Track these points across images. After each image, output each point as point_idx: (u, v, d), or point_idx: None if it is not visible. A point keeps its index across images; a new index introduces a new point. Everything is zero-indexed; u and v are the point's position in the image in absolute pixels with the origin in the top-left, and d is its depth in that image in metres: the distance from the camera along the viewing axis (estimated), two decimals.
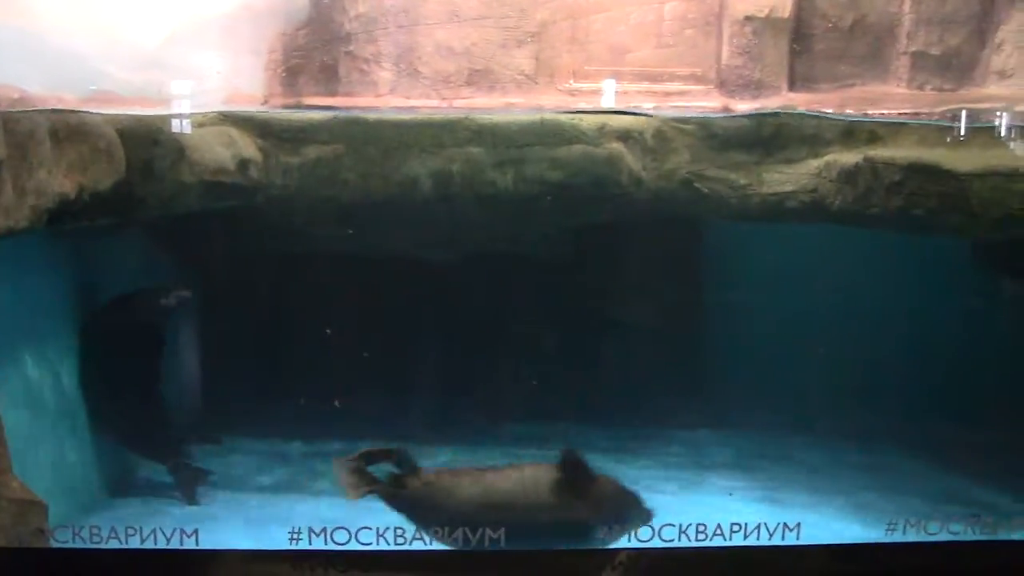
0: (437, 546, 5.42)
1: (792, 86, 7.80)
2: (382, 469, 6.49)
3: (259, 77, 7.51)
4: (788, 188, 7.92)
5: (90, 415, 7.64)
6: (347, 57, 7.58)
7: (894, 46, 7.83)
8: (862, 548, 6.36)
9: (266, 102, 7.58)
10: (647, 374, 9.23)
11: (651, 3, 7.59)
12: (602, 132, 7.75)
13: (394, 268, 8.73)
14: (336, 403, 8.53)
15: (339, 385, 8.59)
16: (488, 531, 5.49)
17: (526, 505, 6.31)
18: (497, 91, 7.61)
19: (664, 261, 9.26)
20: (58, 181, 5.91)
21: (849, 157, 7.74)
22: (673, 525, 5.65)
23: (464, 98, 7.59)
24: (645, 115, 7.82)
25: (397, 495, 6.35)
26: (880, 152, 7.62)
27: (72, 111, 6.23)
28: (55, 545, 5.28)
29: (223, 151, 7.32)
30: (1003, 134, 7.47)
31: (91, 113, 6.38)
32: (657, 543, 5.61)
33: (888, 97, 7.77)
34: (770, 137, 7.94)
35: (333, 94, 7.63)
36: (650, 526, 5.66)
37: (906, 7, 7.70)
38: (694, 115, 7.84)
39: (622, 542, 5.90)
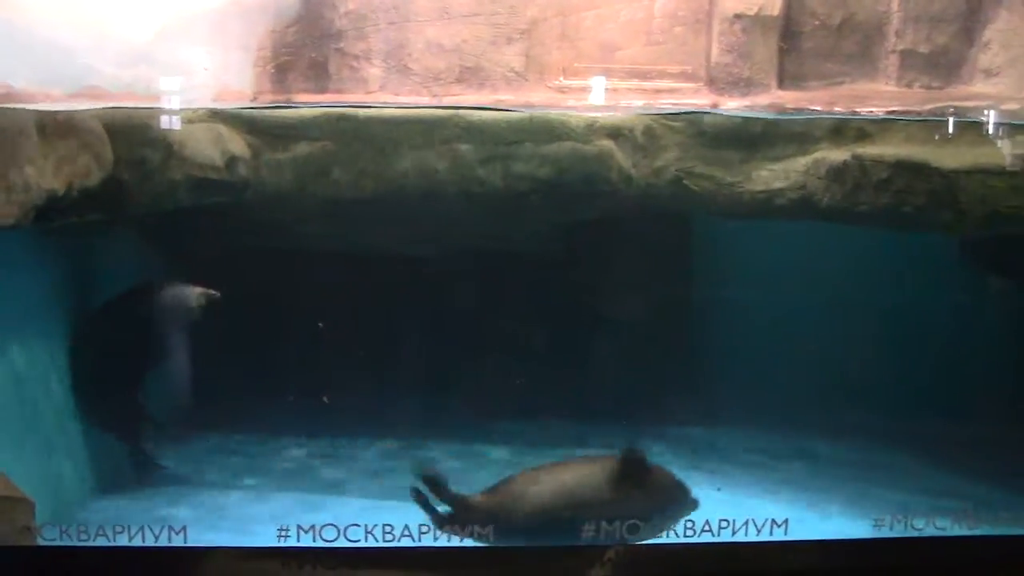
0: (425, 543, 5.42)
1: (781, 84, 7.81)
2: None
3: (248, 74, 7.48)
4: (777, 185, 7.93)
5: (79, 405, 7.62)
6: (337, 54, 7.57)
7: (883, 44, 7.84)
8: (850, 544, 6.37)
9: (255, 99, 7.56)
10: (637, 371, 9.25)
11: (641, 0, 7.60)
12: (591, 129, 7.74)
13: (383, 265, 8.73)
14: (325, 399, 8.54)
15: (328, 382, 8.60)
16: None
17: (593, 500, 6.36)
18: (487, 88, 7.61)
19: (653, 258, 9.26)
20: (45, 177, 5.90)
21: (837, 154, 7.75)
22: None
23: (454, 95, 7.59)
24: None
25: (468, 519, 6.24)
26: (868, 149, 7.63)
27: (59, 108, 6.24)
28: (42, 543, 5.26)
29: (212, 148, 7.30)
30: (990, 131, 7.50)
31: (79, 109, 6.39)
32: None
33: (877, 95, 7.79)
34: (759, 134, 7.94)
35: (323, 91, 7.62)
36: (638, 522, 5.65)
37: (894, 6, 7.72)
38: (684, 112, 7.85)
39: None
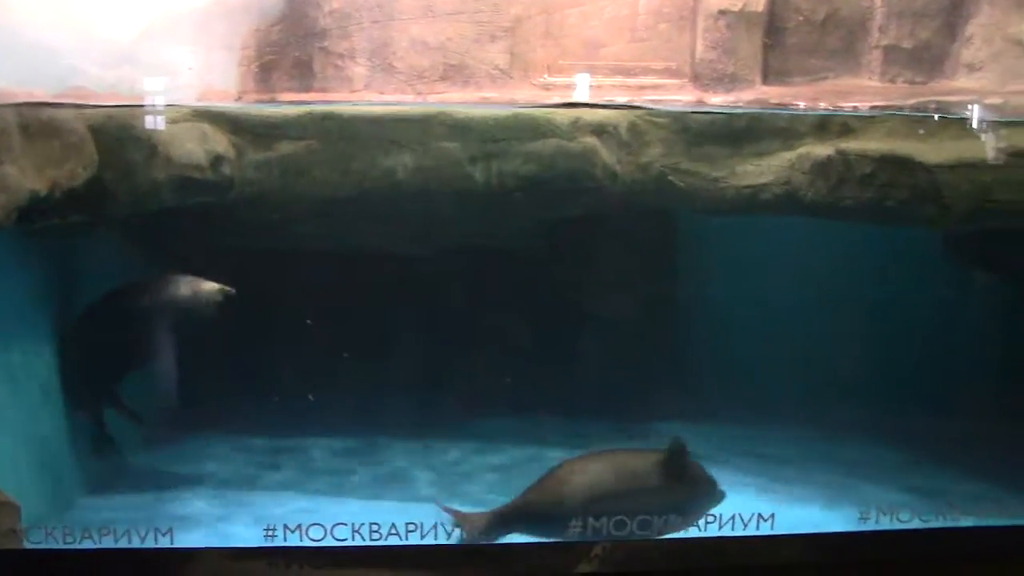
0: (412, 541, 5.42)
1: (765, 80, 7.84)
2: None
3: (233, 73, 7.48)
4: (761, 181, 7.94)
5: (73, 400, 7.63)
6: (321, 53, 7.57)
7: (866, 40, 7.88)
8: (835, 537, 6.39)
9: (240, 98, 7.55)
10: (622, 367, 9.27)
11: None
12: (576, 126, 7.74)
13: (368, 263, 8.73)
14: (310, 397, 8.54)
15: (314, 380, 8.60)
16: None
17: (640, 491, 6.44)
18: (472, 86, 7.62)
19: (639, 254, 9.27)
20: (28, 178, 5.89)
21: (822, 149, 7.77)
22: (649, 518, 5.67)
23: (439, 93, 7.59)
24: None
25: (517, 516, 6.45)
26: (852, 144, 7.65)
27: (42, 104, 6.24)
28: (28, 546, 5.25)
29: (196, 147, 7.29)
30: (974, 126, 7.52)
31: (62, 107, 6.38)
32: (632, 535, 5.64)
33: (860, 90, 7.82)
34: (743, 130, 7.96)
35: (307, 90, 7.62)
36: (625, 518, 5.66)
37: (878, 1, 7.78)
38: (668, 108, 7.86)
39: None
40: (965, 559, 5.52)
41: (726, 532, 5.73)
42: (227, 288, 7.67)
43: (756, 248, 9.06)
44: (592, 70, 7.66)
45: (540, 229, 8.86)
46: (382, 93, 7.54)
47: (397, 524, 5.43)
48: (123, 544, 5.32)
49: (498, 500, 7.71)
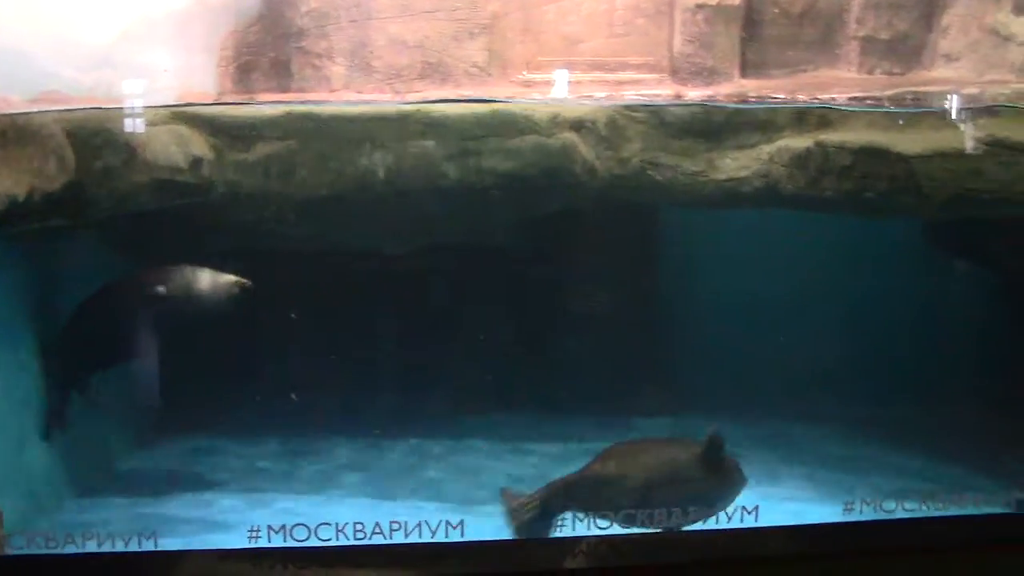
0: (397, 540, 5.42)
1: (744, 73, 7.85)
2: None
3: (211, 74, 7.46)
4: (741, 174, 7.95)
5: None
6: (299, 53, 7.56)
7: (843, 31, 7.91)
8: (821, 528, 6.41)
9: (219, 99, 7.53)
10: (605, 362, 9.27)
11: None
12: (555, 122, 7.74)
13: (349, 262, 8.72)
14: (293, 396, 8.53)
15: (297, 379, 8.60)
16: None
17: (681, 479, 6.57)
18: (450, 84, 7.62)
19: (620, 249, 9.28)
20: (5, 183, 5.87)
21: (800, 142, 7.79)
22: (633, 512, 5.69)
23: (417, 91, 7.58)
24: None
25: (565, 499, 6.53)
26: (831, 136, 7.67)
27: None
28: (10, 552, 5.24)
29: (175, 149, 7.27)
30: (952, 116, 7.55)
31: (38, 113, 6.36)
32: (617, 530, 5.64)
33: (838, 82, 7.83)
34: (722, 124, 7.96)
35: (286, 90, 7.61)
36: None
37: None
38: (647, 103, 7.87)
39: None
40: (950, 548, 5.53)
41: (710, 525, 5.75)
42: (243, 280, 7.68)
43: (737, 241, 9.07)
44: (571, 66, 7.66)
45: (520, 225, 8.86)
46: (361, 92, 7.52)
47: (381, 523, 5.43)
48: (107, 548, 5.30)
49: (478, 496, 7.79)
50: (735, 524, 5.93)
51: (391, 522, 5.45)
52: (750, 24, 7.85)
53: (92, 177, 6.78)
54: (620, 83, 7.74)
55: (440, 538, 5.46)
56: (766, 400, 9.08)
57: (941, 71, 7.81)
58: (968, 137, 7.35)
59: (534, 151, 7.72)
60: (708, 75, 7.75)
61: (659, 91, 7.76)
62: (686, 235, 9.59)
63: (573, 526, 5.78)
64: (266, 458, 8.70)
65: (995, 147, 7.29)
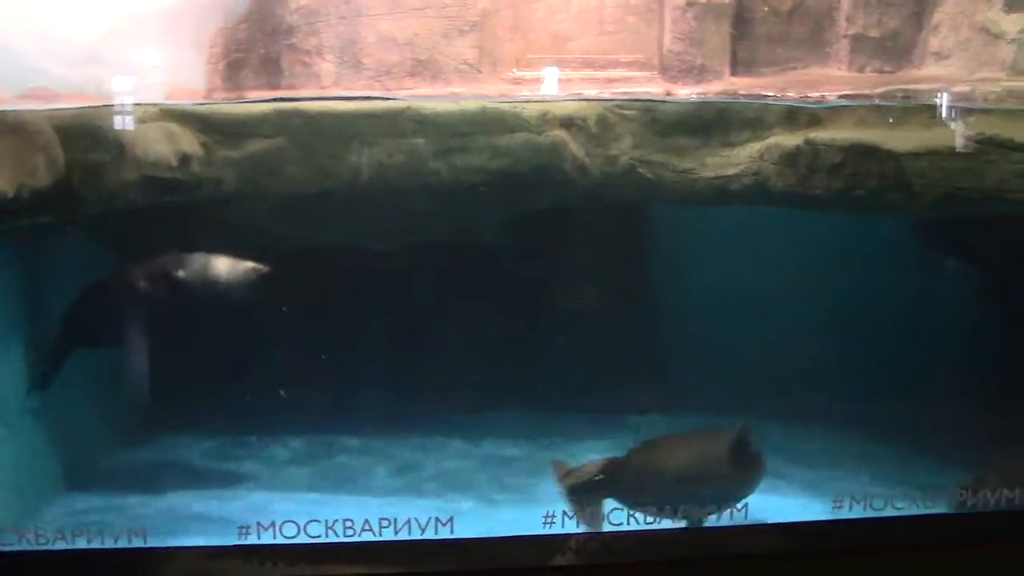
0: (386, 536, 5.41)
1: (734, 70, 7.86)
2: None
3: (201, 71, 7.45)
4: (731, 172, 7.95)
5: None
6: (289, 50, 7.56)
7: (833, 29, 7.93)
8: (810, 526, 6.42)
9: (208, 96, 7.53)
10: (594, 360, 9.28)
11: None
12: (545, 120, 7.74)
13: (338, 259, 8.71)
14: (282, 393, 8.50)
15: (287, 377, 8.58)
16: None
17: (712, 471, 6.77)
18: (440, 81, 7.62)
19: (610, 246, 9.28)
20: None
21: (790, 140, 7.79)
22: (621, 508, 5.69)
23: (407, 88, 7.58)
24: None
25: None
26: (821, 134, 7.67)
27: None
28: (1, 548, 5.23)
29: (164, 146, 7.26)
30: (942, 113, 7.56)
31: (27, 110, 6.35)
32: (606, 527, 5.64)
33: (829, 80, 7.85)
34: (712, 121, 7.97)
35: (276, 87, 7.61)
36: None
37: None
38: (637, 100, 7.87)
39: None
40: (938, 546, 5.55)
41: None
42: (260, 266, 7.66)
43: (727, 239, 9.08)
44: (561, 63, 7.67)
45: (511, 223, 8.86)
46: (350, 89, 7.52)
47: (371, 520, 5.43)
48: (96, 545, 5.30)
49: (467, 493, 7.79)
50: (724, 522, 5.94)
51: (380, 519, 5.44)
52: (740, 22, 7.86)
53: (81, 174, 6.77)
54: (610, 81, 7.75)
55: (430, 535, 5.45)
56: (756, 397, 9.07)
57: (931, 69, 7.83)
58: (958, 135, 7.35)
59: (524, 148, 7.73)
60: (698, 73, 7.76)
61: (649, 88, 7.76)
62: (677, 233, 9.59)
63: (563, 523, 5.77)
64: (254, 455, 8.70)
65: (985, 145, 7.29)
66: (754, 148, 7.92)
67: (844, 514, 5.88)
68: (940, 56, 7.84)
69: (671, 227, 9.58)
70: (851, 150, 7.51)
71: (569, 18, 7.72)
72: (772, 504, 7.24)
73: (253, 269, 7.61)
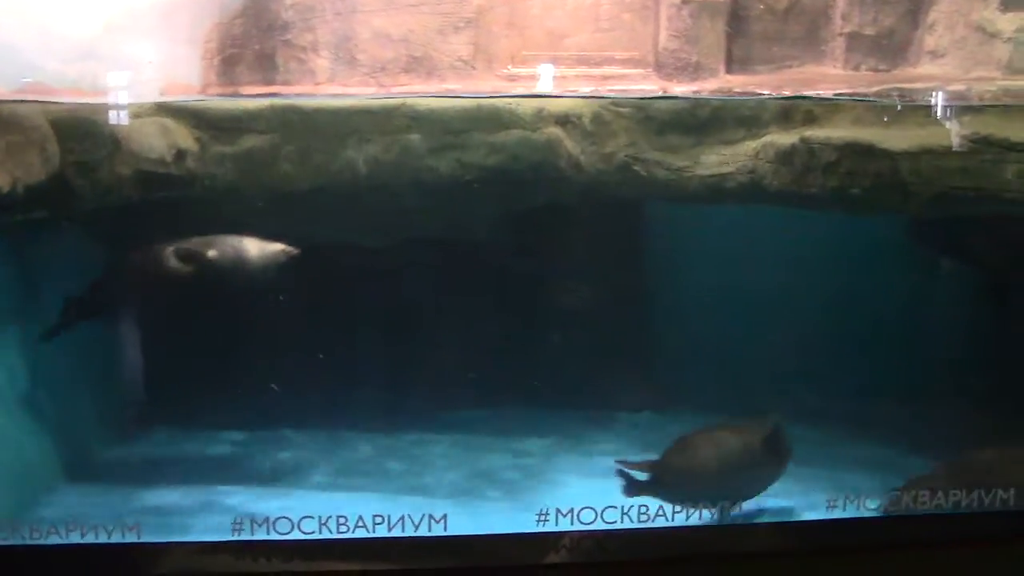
0: (380, 533, 5.42)
1: (729, 68, 7.85)
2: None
3: (196, 67, 7.45)
4: (726, 170, 7.96)
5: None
6: (284, 46, 7.54)
7: (829, 27, 7.91)
8: (804, 525, 6.44)
9: (203, 92, 7.52)
10: (588, 358, 9.27)
11: None
12: (540, 117, 7.75)
13: (333, 256, 8.70)
14: (274, 387, 8.49)
15: (281, 374, 8.57)
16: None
17: (750, 463, 6.99)
18: (435, 78, 7.61)
19: (605, 244, 9.28)
20: None
21: (786, 138, 7.79)
22: (616, 507, 5.68)
23: (402, 85, 7.58)
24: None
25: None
26: (816, 132, 7.67)
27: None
28: None
29: (159, 142, 7.27)
30: (938, 112, 7.56)
31: (23, 103, 6.35)
32: (600, 525, 5.64)
33: (824, 78, 7.85)
34: (707, 119, 7.97)
35: (271, 83, 7.59)
36: (592, 508, 5.66)
37: None
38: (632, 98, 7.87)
39: None
40: (932, 545, 5.56)
41: (693, 522, 5.76)
42: (290, 249, 7.65)
43: (722, 237, 9.07)
44: (556, 60, 7.66)
45: (505, 220, 8.85)
46: (345, 86, 7.51)
47: (364, 516, 5.43)
48: (90, 539, 5.29)
49: (461, 491, 7.78)
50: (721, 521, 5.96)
51: (374, 516, 5.45)
52: (735, 20, 7.85)
53: (76, 169, 6.77)
54: (605, 78, 7.74)
55: (423, 532, 5.46)
56: (751, 396, 9.07)
57: (927, 68, 7.83)
58: (954, 134, 7.36)
59: (519, 145, 7.74)
60: (693, 70, 7.75)
61: (644, 86, 7.76)
62: (672, 231, 9.58)
63: (556, 521, 5.77)
64: (248, 449, 8.69)
65: (981, 144, 7.29)
66: (749, 146, 7.93)
67: (842, 514, 5.90)
68: (936, 55, 7.83)
69: (666, 225, 9.57)
70: (846, 149, 7.52)
71: (564, 15, 7.71)
72: (765, 503, 7.27)
73: (283, 251, 7.61)
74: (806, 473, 7.60)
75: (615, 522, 5.61)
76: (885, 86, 7.66)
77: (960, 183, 7.38)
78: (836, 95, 7.62)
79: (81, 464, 7.92)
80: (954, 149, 7.38)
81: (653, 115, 7.95)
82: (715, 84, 7.74)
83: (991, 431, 7.86)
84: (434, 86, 7.53)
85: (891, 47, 7.92)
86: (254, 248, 7.61)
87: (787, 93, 7.74)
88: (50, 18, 6.81)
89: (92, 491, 7.58)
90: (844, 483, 7.76)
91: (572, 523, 5.63)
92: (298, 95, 7.56)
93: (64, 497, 7.48)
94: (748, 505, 6.78)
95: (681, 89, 7.68)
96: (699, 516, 5.89)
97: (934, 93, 7.58)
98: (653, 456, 7.07)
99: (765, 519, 6.86)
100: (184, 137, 7.52)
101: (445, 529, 5.49)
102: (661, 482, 6.68)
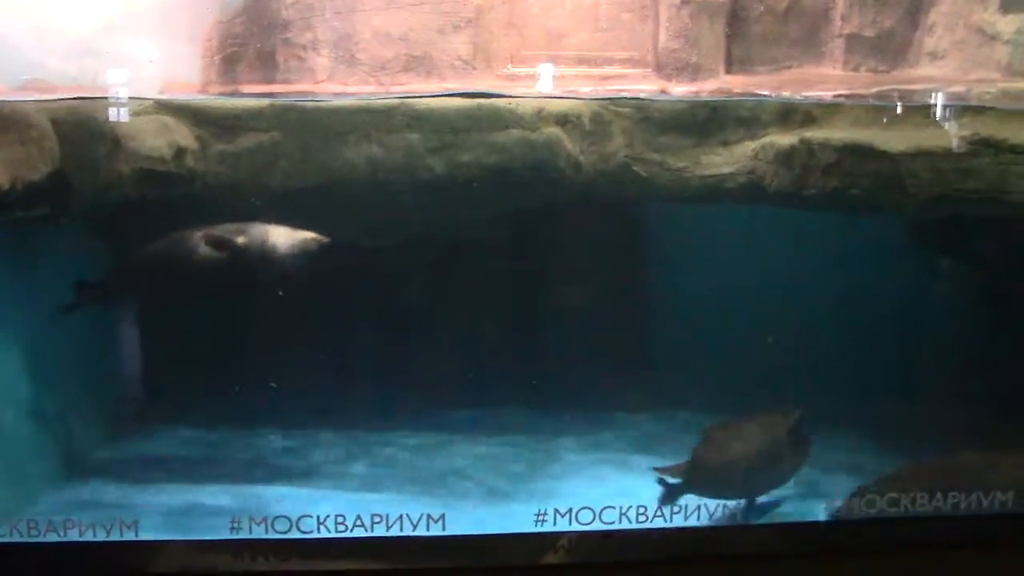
0: (378, 533, 5.42)
1: (729, 69, 7.86)
2: None
3: (196, 65, 7.45)
4: (725, 170, 7.97)
5: None
6: (284, 44, 7.54)
7: (828, 28, 7.91)
8: (799, 526, 6.44)
9: (203, 90, 7.53)
10: (586, 358, 9.27)
11: None
12: (539, 117, 7.76)
13: (332, 255, 8.69)
14: (272, 385, 8.49)
15: (281, 372, 8.57)
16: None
17: (777, 454, 7.09)
18: (435, 77, 7.61)
19: (604, 244, 9.28)
20: None
21: (785, 139, 7.80)
22: (614, 507, 5.69)
23: (402, 84, 7.58)
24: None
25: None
26: (815, 133, 7.69)
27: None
28: None
29: (159, 140, 7.28)
30: (937, 114, 7.57)
31: (23, 101, 6.36)
32: (598, 526, 5.65)
33: (823, 79, 7.85)
34: (707, 119, 7.98)
35: (271, 81, 7.59)
36: (591, 508, 5.66)
37: None
38: (631, 98, 7.88)
39: None
40: (929, 546, 5.57)
41: (691, 522, 5.76)
42: (320, 237, 7.63)
43: (721, 238, 9.07)
44: (555, 60, 7.66)
45: (504, 220, 8.85)
46: (345, 85, 7.52)
47: (363, 516, 5.43)
48: (88, 537, 5.30)
49: (459, 491, 7.78)
50: (716, 522, 5.96)
51: (372, 515, 5.45)
52: (735, 20, 7.85)
53: (76, 167, 6.77)
54: (605, 78, 7.74)
55: (421, 532, 5.46)
56: (749, 396, 9.07)
57: (926, 69, 7.83)
58: (953, 135, 7.37)
59: (518, 145, 7.74)
60: (693, 71, 7.75)
61: (644, 86, 7.76)
62: (671, 231, 9.59)
63: (555, 521, 5.78)
64: (246, 448, 8.69)
65: (980, 145, 7.31)
66: (749, 147, 7.95)
67: (841, 514, 5.91)
68: (935, 56, 7.83)
69: (665, 225, 9.58)
70: (846, 150, 7.53)
71: (564, 15, 7.70)
72: (763, 504, 7.28)
73: (314, 239, 7.61)
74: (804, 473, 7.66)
75: (613, 522, 5.62)
76: (884, 87, 7.66)
77: (959, 184, 7.39)
78: (835, 96, 7.63)
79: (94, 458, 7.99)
80: (953, 151, 7.39)
81: (653, 115, 7.96)
82: (714, 85, 7.74)
83: (991, 431, 7.89)
84: (434, 85, 7.54)
85: (891, 48, 7.92)
86: (283, 237, 7.60)
87: (786, 94, 7.74)
88: (51, 16, 6.81)
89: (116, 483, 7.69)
90: (844, 484, 7.82)
91: (570, 523, 5.64)
92: (298, 95, 7.57)
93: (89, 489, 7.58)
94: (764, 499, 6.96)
95: (681, 89, 7.68)
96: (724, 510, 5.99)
97: (933, 94, 7.58)
98: (653, 457, 7.08)
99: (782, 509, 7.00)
100: (184, 135, 7.52)
101: (443, 529, 5.49)
102: (696, 482, 6.72)
